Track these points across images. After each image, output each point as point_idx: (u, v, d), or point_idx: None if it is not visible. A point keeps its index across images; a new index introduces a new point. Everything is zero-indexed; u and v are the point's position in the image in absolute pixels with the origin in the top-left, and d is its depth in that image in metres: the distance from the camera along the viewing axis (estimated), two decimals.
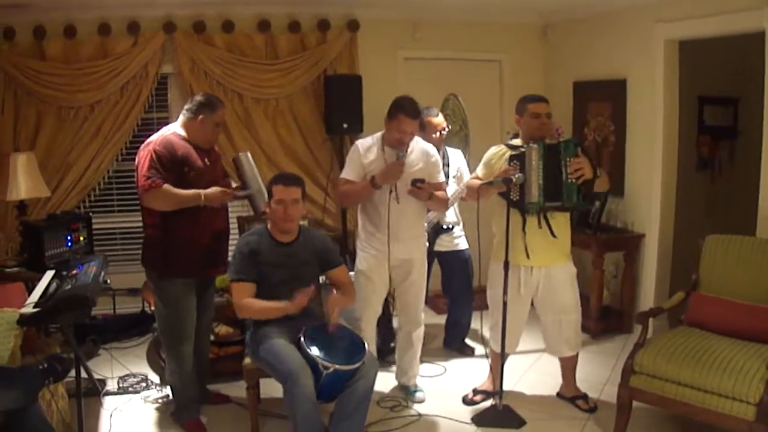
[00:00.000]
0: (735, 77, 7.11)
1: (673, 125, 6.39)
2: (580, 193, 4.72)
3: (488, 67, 8.07)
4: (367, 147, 5.07)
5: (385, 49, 7.54)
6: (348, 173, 5.05)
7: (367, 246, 5.15)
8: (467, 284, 6.14)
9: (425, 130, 5.78)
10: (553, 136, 5.07)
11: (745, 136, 7.21)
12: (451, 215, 6.02)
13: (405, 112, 4.87)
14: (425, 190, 4.95)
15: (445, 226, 6.00)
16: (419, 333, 5.40)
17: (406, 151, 4.96)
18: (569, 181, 4.66)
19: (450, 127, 6.04)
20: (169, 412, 5.02)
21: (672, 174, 6.46)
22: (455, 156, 6.07)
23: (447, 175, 5.86)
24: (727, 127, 7.53)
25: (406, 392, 5.47)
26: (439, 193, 5.10)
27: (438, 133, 5.84)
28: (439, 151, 5.88)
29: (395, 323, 5.72)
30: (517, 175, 4.62)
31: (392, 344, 5.83)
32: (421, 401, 5.37)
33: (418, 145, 5.14)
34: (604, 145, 7.08)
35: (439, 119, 5.90)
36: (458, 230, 6.11)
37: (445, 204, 5.31)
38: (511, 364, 5.36)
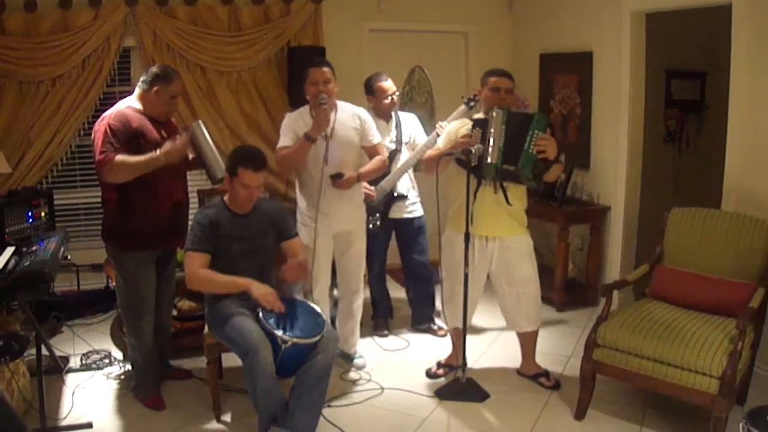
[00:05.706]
0: (703, 51, 7.12)
1: (640, 98, 6.38)
2: (535, 168, 4.63)
3: (454, 39, 8.04)
4: (296, 117, 5.09)
5: (349, 20, 7.48)
6: (284, 141, 5.03)
7: (308, 219, 5.13)
8: (423, 254, 6.08)
9: (376, 95, 5.79)
10: (520, 109, 5.04)
11: (713, 110, 7.23)
12: (405, 182, 5.91)
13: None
14: (349, 180, 5.01)
15: (396, 194, 5.85)
16: (359, 302, 5.45)
17: (328, 99, 4.91)
18: (530, 150, 4.55)
19: (409, 96, 5.97)
20: (129, 388, 4.99)
21: (638, 147, 6.47)
22: (408, 121, 6.00)
23: (399, 141, 5.85)
24: (695, 100, 7.56)
25: (346, 359, 5.53)
26: (370, 166, 5.16)
27: (389, 98, 5.80)
28: (390, 116, 5.89)
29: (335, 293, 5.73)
30: (476, 146, 4.58)
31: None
32: (362, 367, 5.47)
33: (347, 107, 5.15)
34: (570, 118, 7.07)
35: (389, 84, 5.82)
36: (413, 196, 6.00)
37: (382, 168, 5.31)
38: (475, 338, 5.36)
